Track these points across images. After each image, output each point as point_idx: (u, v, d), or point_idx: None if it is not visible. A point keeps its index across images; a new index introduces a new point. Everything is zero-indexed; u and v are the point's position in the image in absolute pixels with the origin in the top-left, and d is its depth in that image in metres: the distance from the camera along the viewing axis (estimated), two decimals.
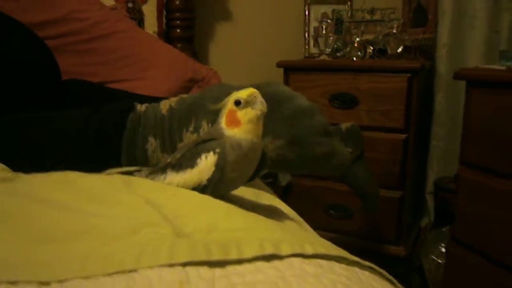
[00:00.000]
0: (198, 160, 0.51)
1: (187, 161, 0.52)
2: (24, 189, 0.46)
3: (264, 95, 0.61)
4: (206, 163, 0.50)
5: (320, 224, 1.58)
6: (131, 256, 0.34)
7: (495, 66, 1.08)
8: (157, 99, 1.09)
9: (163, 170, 0.55)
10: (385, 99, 1.44)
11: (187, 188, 0.51)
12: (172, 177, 0.52)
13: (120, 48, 1.34)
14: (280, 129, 0.66)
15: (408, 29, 1.59)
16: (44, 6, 1.32)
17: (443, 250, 1.41)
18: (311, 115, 0.70)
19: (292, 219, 0.58)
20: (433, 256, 1.41)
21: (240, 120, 0.50)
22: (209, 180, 0.50)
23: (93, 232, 0.37)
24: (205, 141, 0.52)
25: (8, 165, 0.56)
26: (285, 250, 0.36)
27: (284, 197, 1.61)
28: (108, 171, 0.61)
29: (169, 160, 0.55)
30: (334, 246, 0.40)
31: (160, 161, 0.71)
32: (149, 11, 1.55)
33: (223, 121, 0.51)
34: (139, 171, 0.60)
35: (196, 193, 0.49)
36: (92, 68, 1.32)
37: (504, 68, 1.01)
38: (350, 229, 1.56)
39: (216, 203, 0.47)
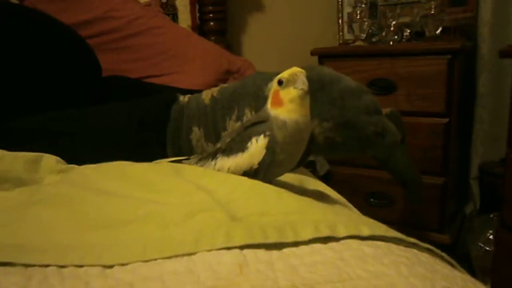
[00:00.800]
0: (249, 144, 0.51)
1: (237, 145, 0.52)
2: (80, 180, 0.47)
3: (309, 77, 0.60)
4: (257, 146, 0.50)
5: (361, 212, 1.55)
6: (189, 239, 0.34)
7: None
8: (196, 92, 1.10)
9: (213, 155, 0.55)
10: (424, 83, 1.39)
11: (238, 172, 0.52)
12: (223, 162, 0.52)
13: (156, 44, 1.36)
14: (327, 112, 0.65)
15: (447, 8, 1.53)
16: (82, 7, 1.36)
17: (491, 237, 1.36)
18: (359, 95, 0.68)
19: (341, 203, 0.57)
20: (480, 243, 1.37)
21: (282, 99, 0.50)
22: (260, 163, 0.50)
23: (150, 218, 0.38)
24: (254, 124, 0.52)
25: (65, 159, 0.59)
26: (341, 232, 0.35)
27: None
28: (157, 161, 0.63)
29: (219, 145, 0.55)
30: (389, 228, 0.40)
31: (205, 150, 0.72)
32: (182, 5, 1.56)
33: (269, 102, 0.51)
34: (187, 159, 0.60)
35: (245, 179, 0.49)
36: (130, 65, 1.35)
37: None
38: (392, 217, 1.53)
39: (266, 187, 0.47)
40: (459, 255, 1.51)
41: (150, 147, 0.71)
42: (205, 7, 1.71)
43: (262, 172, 0.51)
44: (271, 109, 0.51)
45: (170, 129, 0.75)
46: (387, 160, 0.98)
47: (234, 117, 0.71)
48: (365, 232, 0.36)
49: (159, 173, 0.49)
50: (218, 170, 0.53)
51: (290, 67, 0.51)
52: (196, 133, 0.74)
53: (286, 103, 0.49)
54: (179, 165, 0.54)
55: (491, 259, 1.24)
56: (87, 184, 0.46)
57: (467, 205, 1.63)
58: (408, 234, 1.40)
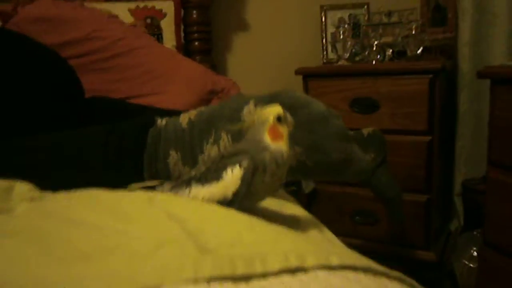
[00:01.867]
0: (224, 174, 0.51)
1: (212, 174, 0.52)
2: (51, 209, 0.47)
3: (281, 104, 0.61)
4: (232, 177, 0.50)
5: (347, 230, 1.56)
6: (155, 273, 0.34)
7: None
8: (178, 112, 1.10)
9: (187, 183, 0.55)
10: (407, 102, 1.42)
11: (212, 201, 0.52)
12: (197, 190, 0.52)
13: (140, 64, 1.36)
14: (298, 136, 0.66)
15: (428, 29, 1.57)
16: (67, 27, 1.36)
17: (475, 254, 1.37)
18: (327, 120, 0.69)
19: (316, 229, 0.57)
20: (464, 261, 1.37)
21: (282, 134, 0.53)
22: (234, 194, 0.51)
23: (119, 250, 0.37)
24: (231, 154, 0.53)
25: (34, 184, 0.58)
26: (310, 262, 0.35)
27: (308, 204, 1.60)
28: (131, 186, 0.62)
29: (193, 173, 0.56)
30: (360, 256, 0.40)
31: (182, 173, 0.72)
32: (167, 25, 1.57)
33: (266, 137, 0.52)
34: (161, 185, 0.60)
35: (219, 207, 0.49)
36: (114, 85, 1.35)
37: None
38: (377, 235, 1.54)
39: (239, 216, 0.47)
40: (446, 273, 1.52)
41: (127, 172, 0.71)
42: (190, 27, 1.72)
43: (236, 203, 0.51)
44: (272, 143, 0.52)
45: (147, 153, 0.75)
46: (369, 178, 0.98)
47: (211, 140, 0.72)
48: (334, 261, 0.36)
49: (132, 201, 0.49)
50: (192, 198, 0.53)
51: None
52: (174, 156, 0.74)
53: (285, 138, 0.53)
54: (153, 192, 0.54)
55: (475, 277, 1.24)
56: (58, 214, 0.45)
57: (451, 222, 1.64)
58: (393, 252, 1.40)
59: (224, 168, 0.52)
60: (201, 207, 0.49)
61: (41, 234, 0.41)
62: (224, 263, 0.35)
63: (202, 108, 0.80)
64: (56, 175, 0.68)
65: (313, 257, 0.35)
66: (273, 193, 0.56)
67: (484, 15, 1.46)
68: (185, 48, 1.72)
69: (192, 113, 0.78)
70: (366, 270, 0.37)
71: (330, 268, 0.36)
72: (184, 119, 0.77)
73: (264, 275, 0.35)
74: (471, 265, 1.34)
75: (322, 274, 0.35)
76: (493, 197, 1.11)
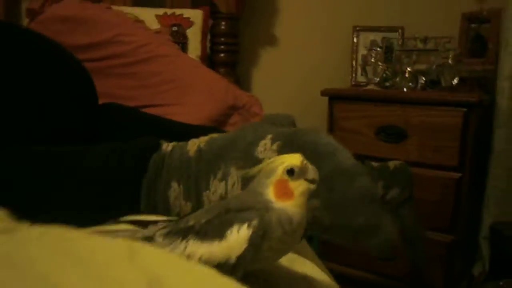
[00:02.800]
0: (228, 232, 0.43)
1: (214, 230, 0.44)
2: (15, 253, 0.40)
3: (303, 145, 0.53)
4: (238, 237, 0.42)
5: (361, 265, 1.47)
6: None
7: None
8: (194, 127, 1.04)
9: (184, 234, 0.45)
10: (437, 135, 1.33)
11: (211, 263, 0.43)
12: (195, 247, 0.44)
13: (161, 72, 1.32)
14: (317, 189, 0.56)
15: (465, 59, 1.48)
16: (91, 29, 1.34)
17: None
18: (352, 177, 0.58)
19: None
20: None
21: (293, 191, 0.43)
22: (239, 258, 0.42)
23: None
24: (239, 209, 0.44)
25: (18, 207, 0.51)
26: None
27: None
28: (123, 218, 0.55)
29: (191, 222, 0.46)
30: None
31: (182, 210, 0.65)
32: (194, 34, 1.53)
33: (270, 192, 0.44)
34: (155, 223, 0.52)
35: (215, 274, 0.39)
36: (133, 91, 1.31)
37: None
38: (393, 272, 1.44)
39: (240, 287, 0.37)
40: None
41: (121, 200, 0.64)
42: (217, 38, 1.68)
43: (241, 269, 0.42)
44: (277, 202, 0.43)
45: (146, 182, 0.68)
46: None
47: (219, 175, 0.64)
48: None
49: (111, 254, 0.40)
50: (188, 255, 0.44)
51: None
52: (175, 189, 0.66)
53: (297, 196, 0.43)
54: (137, 245, 0.45)
55: None
56: (20, 263, 0.38)
57: (475, 266, 1.53)
58: None
59: (230, 225, 0.43)
60: (193, 272, 0.39)
61: None
62: None
63: (215, 135, 0.72)
64: (44, 198, 0.62)
65: None
66: (284, 255, 0.47)
67: None
68: (210, 59, 1.67)
69: (203, 140, 0.70)
70: None
71: None
72: (192, 146, 0.69)
73: None
74: None
75: None
76: None
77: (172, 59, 1.34)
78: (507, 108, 1.39)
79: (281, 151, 0.60)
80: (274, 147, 0.61)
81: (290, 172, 0.43)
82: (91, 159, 0.68)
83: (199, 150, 0.68)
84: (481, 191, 1.49)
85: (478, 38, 1.50)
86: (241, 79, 1.82)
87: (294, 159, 0.44)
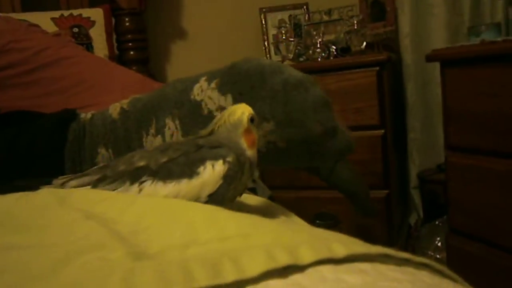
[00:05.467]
0: (201, 169, 0.40)
1: (181, 168, 0.40)
2: None
3: (246, 72, 0.51)
4: (213, 174, 0.40)
5: None
6: None
7: (467, 43, 1.04)
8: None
9: (133, 177, 0.41)
10: (356, 97, 1.38)
11: None
12: (156, 188, 0.40)
13: (68, 76, 1.22)
14: (268, 109, 0.54)
15: (368, 24, 1.56)
16: None
17: (439, 244, 1.34)
18: (306, 87, 0.55)
19: (285, 215, 0.48)
20: (430, 252, 1.34)
21: (255, 140, 0.44)
22: (211, 196, 0.40)
23: (9, 272, 0.25)
24: (211, 146, 0.42)
25: None
26: (306, 257, 0.25)
27: None
28: (54, 180, 0.48)
29: (142, 163, 0.41)
30: (365, 242, 0.30)
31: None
32: (98, 34, 1.44)
33: (243, 142, 0.43)
34: (85, 175, 0.44)
35: (161, 199, 0.38)
36: (39, 100, 1.19)
37: (477, 42, 0.97)
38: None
39: (192, 206, 0.35)
40: None
41: (39, 175, 0.57)
42: (123, 36, 1.60)
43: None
44: (249, 149, 0.43)
45: (68, 153, 0.62)
46: (331, 173, 0.90)
47: (152, 130, 0.60)
48: (340, 252, 0.25)
49: (34, 205, 0.36)
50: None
51: None
52: (104, 155, 0.61)
53: (256, 143, 0.45)
54: (66, 191, 0.40)
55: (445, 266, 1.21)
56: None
57: (410, 216, 1.62)
58: None
59: (201, 161, 0.40)
60: (137, 201, 0.36)
61: None
62: (174, 272, 0.23)
63: (137, 95, 0.67)
64: None
65: (308, 249, 0.25)
66: (236, 198, 0.45)
67: (422, 6, 1.47)
68: (119, 58, 1.59)
69: (125, 102, 0.65)
70: (384, 259, 0.27)
71: (335, 262, 0.26)
72: (114, 109, 0.64)
73: (239, 285, 0.24)
74: (438, 255, 1.30)
75: (327, 271, 0.25)
76: (455, 182, 1.08)
77: (78, 60, 1.24)
78: (412, 63, 1.49)
79: (222, 86, 0.57)
80: (213, 85, 0.58)
81: (251, 120, 0.44)
82: None
83: (123, 112, 0.63)
84: (405, 145, 1.58)
85: (376, 3, 1.59)
86: (154, 75, 1.75)
87: (249, 109, 0.44)
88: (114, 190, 0.41)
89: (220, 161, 0.41)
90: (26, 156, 0.61)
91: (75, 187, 0.43)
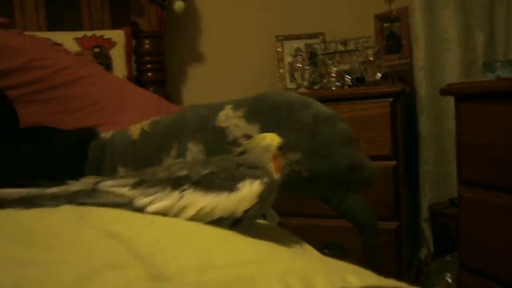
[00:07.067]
0: (241, 185, 0.42)
1: (222, 182, 0.42)
2: None
3: (275, 104, 0.54)
4: (250, 191, 0.42)
5: None
6: None
7: (482, 79, 1.04)
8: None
9: (174, 184, 0.42)
10: (369, 126, 1.39)
11: (213, 215, 0.41)
12: (196, 197, 0.41)
13: (87, 94, 1.25)
14: (296, 140, 0.56)
15: (383, 56, 1.58)
16: (5, 56, 1.24)
17: (450, 280, 1.31)
18: (334, 122, 0.59)
19: (307, 248, 0.48)
20: None
21: (280, 167, 0.47)
22: (246, 212, 0.42)
23: (26, 287, 0.26)
24: (249, 166, 0.45)
25: None
26: (321, 286, 0.25)
27: None
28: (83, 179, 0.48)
29: (183, 172, 0.43)
30: (375, 274, 0.30)
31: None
32: (117, 55, 1.48)
33: (271, 166, 0.46)
34: (120, 178, 0.45)
35: (179, 221, 0.38)
36: (57, 117, 1.22)
37: (492, 78, 0.98)
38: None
39: (209, 230, 0.36)
40: None
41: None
42: (142, 58, 1.64)
43: (244, 224, 0.42)
44: (275, 174, 0.46)
45: (88, 170, 0.63)
46: (341, 202, 0.90)
47: (173, 153, 0.61)
48: (354, 282, 0.26)
49: (55, 220, 0.36)
50: (185, 206, 0.41)
51: None
52: (123, 174, 0.62)
53: (281, 169, 0.47)
54: (86, 208, 0.40)
55: None
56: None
57: (421, 250, 1.59)
58: None
59: (241, 179, 0.43)
60: (156, 221, 0.37)
61: None
62: None
63: (156, 118, 0.69)
64: None
65: (323, 278, 0.25)
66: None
67: (436, 41, 1.49)
68: (137, 79, 1.62)
69: (145, 124, 0.67)
70: None
71: None
72: (135, 130, 0.66)
73: None
74: None
75: None
76: (467, 217, 1.07)
77: (97, 79, 1.28)
78: (426, 96, 1.50)
79: (250, 115, 0.59)
80: (239, 113, 0.60)
81: (280, 148, 0.47)
82: (17, 155, 0.61)
83: (144, 133, 0.64)
84: (416, 177, 1.57)
85: (391, 35, 1.61)
86: (171, 97, 1.78)
87: (278, 138, 0.47)
88: (155, 194, 0.42)
89: (258, 181, 0.43)
90: (44, 171, 0.62)
91: (111, 186, 0.44)
